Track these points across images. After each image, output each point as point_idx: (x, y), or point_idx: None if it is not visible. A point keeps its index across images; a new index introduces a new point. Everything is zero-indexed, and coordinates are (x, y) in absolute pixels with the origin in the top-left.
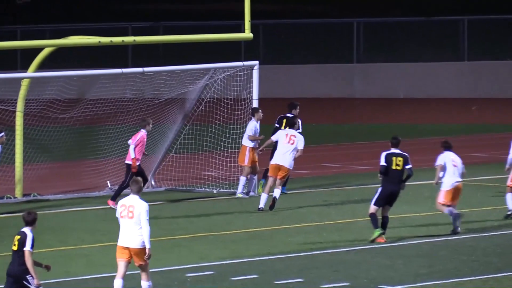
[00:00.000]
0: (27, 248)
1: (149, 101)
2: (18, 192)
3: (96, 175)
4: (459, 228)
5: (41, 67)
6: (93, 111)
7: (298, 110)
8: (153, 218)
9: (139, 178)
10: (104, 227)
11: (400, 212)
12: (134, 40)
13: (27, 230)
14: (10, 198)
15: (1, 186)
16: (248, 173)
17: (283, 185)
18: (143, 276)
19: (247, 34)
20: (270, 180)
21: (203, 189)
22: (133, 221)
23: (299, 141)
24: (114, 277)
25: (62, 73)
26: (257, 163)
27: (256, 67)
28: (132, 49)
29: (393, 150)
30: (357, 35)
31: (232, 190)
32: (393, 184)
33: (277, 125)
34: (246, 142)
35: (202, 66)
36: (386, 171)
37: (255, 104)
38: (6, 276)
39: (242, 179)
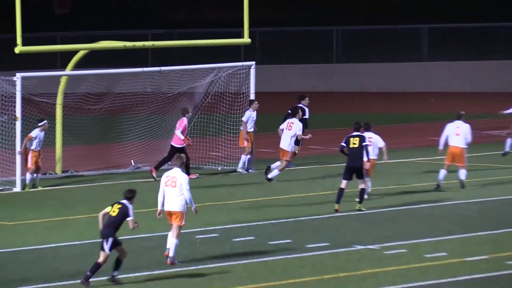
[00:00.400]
0: (131, 217)
1: (165, 94)
2: (58, 169)
3: (122, 155)
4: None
5: (77, 66)
6: (119, 103)
7: (307, 101)
8: None
9: (182, 155)
10: None
11: (372, 186)
12: (153, 44)
13: (126, 202)
14: (52, 174)
15: (44, 164)
16: (248, 153)
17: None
18: (174, 234)
19: (246, 39)
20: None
21: (210, 166)
22: (176, 190)
23: (296, 127)
24: (138, 239)
25: (93, 71)
26: (252, 145)
27: (253, 66)
28: (151, 52)
29: (353, 133)
30: (336, 40)
31: (233, 167)
32: (353, 160)
33: (289, 111)
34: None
35: (208, 65)
36: (345, 149)
37: (252, 97)
38: (100, 235)
39: (243, 157)
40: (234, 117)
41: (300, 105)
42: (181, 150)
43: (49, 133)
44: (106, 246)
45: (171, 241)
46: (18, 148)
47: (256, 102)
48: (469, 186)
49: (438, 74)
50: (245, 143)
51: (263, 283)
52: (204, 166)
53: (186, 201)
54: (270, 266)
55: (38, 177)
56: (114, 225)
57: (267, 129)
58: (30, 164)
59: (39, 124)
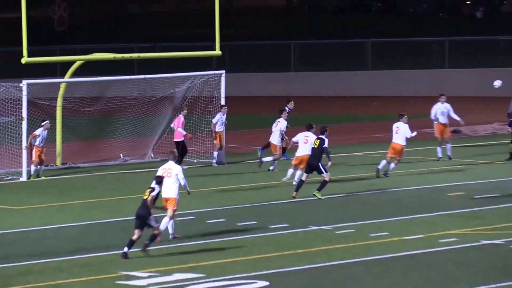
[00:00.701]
0: (154, 193)
1: (149, 98)
2: (58, 162)
3: (112, 150)
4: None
5: (74, 74)
6: (110, 105)
7: (292, 103)
8: (152, 180)
9: (175, 150)
10: (119, 186)
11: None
12: (139, 56)
13: (156, 186)
14: (53, 166)
15: (47, 157)
16: (217, 149)
17: (283, 152)
18: (169, 215)
19: (217, 51)
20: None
21: (187, 159)
22: (171, 179)
23: (281, 124)
24: (126, 221)
25: (88, 79)
26: (222, 142)
27: (223, 74)
28: (137, 62)
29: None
30: (294, 52)
31: (208, 160)
32: (312, 158)
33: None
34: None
35: (186, 74)
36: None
37: (222, 101)
38: (135, 217)
39: (215, 153)
40: (208, 117)
41: (286, 108)
42: (182, 143)
43: (51, 131)
44: (153, 222)
45: (169, 222)
46: (24, 144)
47: (225, 107)
48: (407, 175)
49: (381, 81)
50: (214, 141)
51: (232, 258)
52: (183, 159)
53: (179, 188)
54: (239, 243)
55: (41, 169)
56: (145, 206)
57: (235, 127)
58: (34, 157)
59: (42, 124)
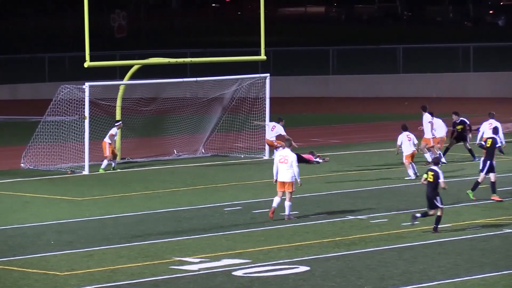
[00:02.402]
0: (441, 179)
1: (201, 99)
2: (117, 157)
3: (166, 146)
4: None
5: (132, 77)
6: (165, 106)
7: (283, 122)
8: (203, 174)
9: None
10: (172, 178)
11: (361, 169)
12: (191, 60)
13: (437, 168)
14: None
15: (109, 153)
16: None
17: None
18: (288, 198)
19: (262, 56)
20: None
21: (235, 154)
22: (287, 165)
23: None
24: (179, 210)
25: (145, 81)
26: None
27: (268, 77)
28: (190, 66)
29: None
30: (332, 57)
31: (252, 155)
32: None
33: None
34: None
35: (233, 77)
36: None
37: (267, 101)
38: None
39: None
40: (253, 117)
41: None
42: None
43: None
44: (439, 203)
45: (286, 204)
46: (86, 141)
47: (284, 121)
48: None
49: (411, 83)
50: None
51: (276, 245)
52: (230, 154)
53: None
54: (282, 232)
55: (115, 163)
56: (433, 187)
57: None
58: (108, 153)
59: (116, 124)
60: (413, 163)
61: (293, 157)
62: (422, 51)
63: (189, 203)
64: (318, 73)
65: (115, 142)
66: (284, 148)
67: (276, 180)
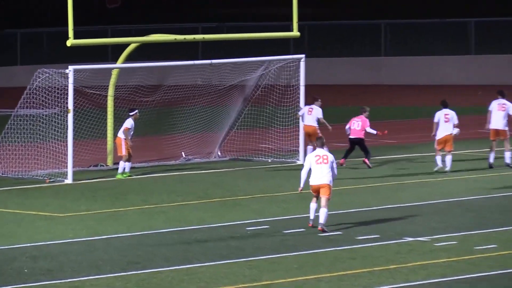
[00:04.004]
0: None
1: (216, 87)
2: (109, 161)
3: (173, 147)
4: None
5: (128, 59)
6: (170, 95)
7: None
8: (219, 183)
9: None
10: (179, 189)
11: (420, 178)
12: (203, 37)
13: None
14: (103, 165)
15: (95, 156)
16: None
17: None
18: (323, 204)
19: (295, 33)
20: None
21: (260, 158)
22: (327, 166)
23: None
24: (188, 230)
25: (144, 64)
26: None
27: (303, 59)
28: (202, 45)
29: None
30: (385, 34)
31: (283, 159)
32: None
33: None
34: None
35: (259, 58)
36: None
37: (301, 90)
38: None
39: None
40: (284, 109)
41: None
42: (361, 141)
43: (101, 124)
44: None
45: (322, 211)
46: (70, 140)
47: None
48: None
49: (486, 67)
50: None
51: (313, 275)
52: (254, 158)
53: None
54: (320, 258)
55: (129, 165)
56: None
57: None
58: (124, 151)
59: (130, 114)
60: (449, 155)
61: (332, 157)
62: (499, 26)
63: (201, 220)
64: (366, 54)
65: (131, 138)
66: (315, 148)
67: (302, 188)
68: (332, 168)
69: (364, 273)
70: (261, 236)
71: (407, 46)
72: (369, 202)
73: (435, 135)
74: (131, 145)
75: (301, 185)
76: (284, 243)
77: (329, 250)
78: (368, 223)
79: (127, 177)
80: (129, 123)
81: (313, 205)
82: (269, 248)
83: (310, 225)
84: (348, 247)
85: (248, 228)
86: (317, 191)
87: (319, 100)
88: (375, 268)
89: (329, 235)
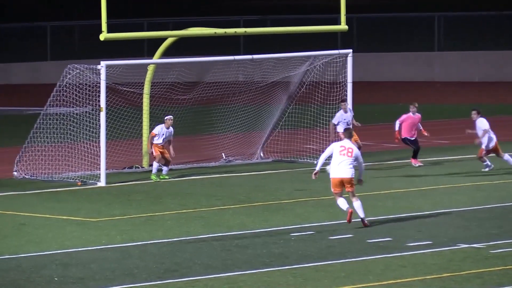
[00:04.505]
0: None
1: (258, 84)
2: (145, 163)
3: (212, 148)
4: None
5: (165, 54)
6: (209, 93)
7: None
8: (261, 186)
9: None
10: (219, 192)
11: (476, 180)
12: (245, 31)
13: None
14: (138, 167)
15: (131, 158)
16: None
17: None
18: (354, 198)
19: (343, 26)
20: None
21: (305, 160)
22: (351, 159)
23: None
24: (228, 236)
25: (182, 59)
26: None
27: (350, 54)
28: (243, 39)
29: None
30: (438, 27)
31: (330, 161)
32: None
33: None
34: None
35: (304, 53)
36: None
37: (349, 87)
38: None
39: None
40: (330, 108)
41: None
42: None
43: (136, 123)
44: None
45: (357, 204)
46: (103, 141)
47: (346, 103)
48: None
49: None
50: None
51: (361, 284)
52: (299, 160)
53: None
54: (369, 265)
55: (166, 169)
56: None
57: (365, 120)
58: (155, 152)
59: (166, 118)
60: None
61: (357, 151)
62: (465, 21)
63: (242, 226)
64: (418, 48)
65: (167, 141)
66: (349, 136)
67: (318, 173)
68: (359, 163)
69: (416, 282)
70: (306, 243)
71: (462, 40)
72: (420, 207)
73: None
74: (154, 153)
75: (317, 168)
76: (331, 250)
77: (379, 258)
78: (420, 229)
79: (164, 179)
80: (157, 129)
81: (341, 199)
82: (315, 255)
83: (349, 220)
84: (399, 254)
85: (292, 234)
86: (338, 185)
87: (345, 102)
88: (427, 277)
89: (378, 241)
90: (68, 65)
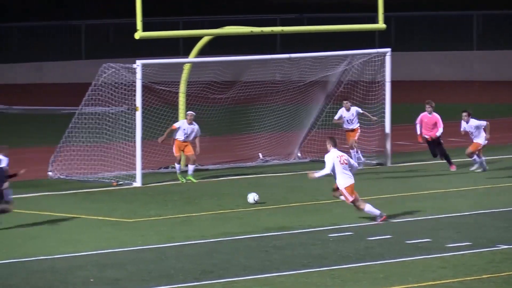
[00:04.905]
0: None
1: (295, 83)
2: (182, 162)
3: (248, 148)
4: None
5: (201, 53)
6: (246, 92)
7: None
8: (299, 186)
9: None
10: (257, 193)
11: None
12: (282, 30)
13: None
14: (174, 168)
15: (167, 157)
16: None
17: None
18: (361, 200)
19: (381, 25)
20: None
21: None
22: (347, 165)
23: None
24: (266, 237)
25: (218, 58)
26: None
27: (389, 53)
28: (280, 38)
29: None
30: (477, 25)
31: (368, 161)
32: None
33: None
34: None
35: (342, 52)
36: None
37: (387, 86)
38: None
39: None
40: (368, 107)
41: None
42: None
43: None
44: None
45: (369, 207)
46: (138, 140)
47: (347, 102)
48: None
49: None
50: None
51: (400, 285)
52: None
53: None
54: (408, 266)
55: (191, 168)
56: None
57: (402, 120)
58: (175, 152)
59: (188, 113)
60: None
61: (346, 156)
62: (505, 19)
63: (280, 227)
64: (457, 47)
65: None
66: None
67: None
68: (351, 165)
69: (455, 283)
70: (345, 243)
71: (501, 39)
72: (460, 207)
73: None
74: (175, 152)
75: (317, 176)
76: (369, 251)
77: (418, 259)
78: (459, 230)
79: (189, 181)
80: (178, 123)
81: (367, 204)
82: (353, 256)
83: (384, 217)
84: (438, 255)
85: (330, 235)
86: (353, 190)
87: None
88: (466, 278)
89: (417, 242)
90: (104, 64)
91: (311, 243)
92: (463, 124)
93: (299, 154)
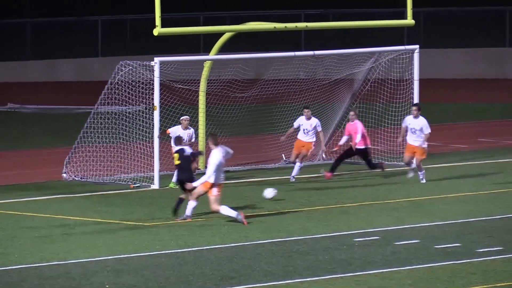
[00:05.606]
0: None
1: (320, 81)
2: (201, 164)
3: (271, 148)
4: None
5: (222, 50)
6: (269, 91)
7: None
8: (323, 189)
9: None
10: (279, 195)
11: None
12: (307, 26)
13: None
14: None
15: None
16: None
17: None
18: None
19: (410, 20)
20: None
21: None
22: None
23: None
24: (289, 241)
25: (240, 55)
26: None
27: (417, 50)
28: (305, 34)
29: None
30: (510, 22)
31: (395, 162)
32: None
33: None
34: None
35: (368, 49)
36: None
37: (415, 84)
38: None
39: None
40: (396, 106)
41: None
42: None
43: (192, 123)
44: None
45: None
46: (156, 141)
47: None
48: None
49: None
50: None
51: None
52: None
53: None
54: (437, 272)
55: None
56: None
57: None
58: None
59: (182, 118)
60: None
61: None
62: None
63: (303, 231)
64: (488, 44)
65: (196, 143)
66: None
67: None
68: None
69: None
70: (370, 248)
71: None
72: (491, 211)
73: None
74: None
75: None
76: (396, 256)
77: (447, 264)
78: (490, 234)
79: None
80: (172, 129)
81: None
82: (379, 262)
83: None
84: (468, 260)
85: (355, 239)
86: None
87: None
88: (497, 284)
89: (446, 247)
90: (120, 62)
91: (335, 248)
92: (409, 119)
93: (324, 155)
